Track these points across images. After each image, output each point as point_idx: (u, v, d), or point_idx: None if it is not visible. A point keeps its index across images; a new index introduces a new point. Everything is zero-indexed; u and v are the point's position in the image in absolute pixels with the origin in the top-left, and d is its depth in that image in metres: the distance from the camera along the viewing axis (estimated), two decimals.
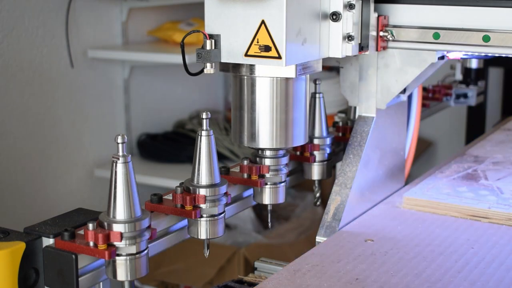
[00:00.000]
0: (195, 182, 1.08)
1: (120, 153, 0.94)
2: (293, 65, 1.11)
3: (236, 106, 1.18)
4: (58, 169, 2.69)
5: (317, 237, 1.25)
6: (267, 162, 1.21)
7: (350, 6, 1.18)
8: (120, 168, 0.94)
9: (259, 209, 2.86)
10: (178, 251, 2.67)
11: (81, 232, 0.95)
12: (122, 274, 0.95)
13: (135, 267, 0.95)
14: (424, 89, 2.02)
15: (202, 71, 1.14)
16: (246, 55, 1.10)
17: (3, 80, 2.42)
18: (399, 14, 1.29)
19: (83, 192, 2.82)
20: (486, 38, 1.22)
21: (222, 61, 1.13)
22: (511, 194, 1.39)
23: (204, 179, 1.07)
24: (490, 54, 1.27)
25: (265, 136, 1.15)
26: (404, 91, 1.40)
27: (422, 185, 1.44)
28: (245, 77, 1.15)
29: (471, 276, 1.08)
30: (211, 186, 1.07)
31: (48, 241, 0.95)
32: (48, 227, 0.97)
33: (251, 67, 1.13)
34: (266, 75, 1.13)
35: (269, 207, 1.26)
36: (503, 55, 1.25)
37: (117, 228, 0.93)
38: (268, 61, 1.09)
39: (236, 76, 1.16)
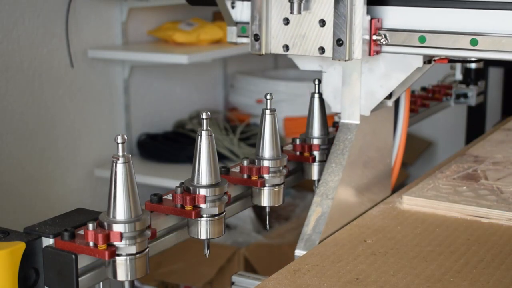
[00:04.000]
0: (195, 182, 1.08)
1: (120, 153, 0.94)
2: None
3: None
4: (58, 169, 2.69)
5: (296, 251, 1.20)
6: (266, 163, 1.21)
7: None
8: (120, 168, 0.94)
9: (259, 209, 2.86)
10: (178, 251, 2.67)
11: (81, 232, 0.95)
12: (122, 274, 0.95)
13: (135, 267, 0.95)
14: (424, 89, 2.02)
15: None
16: None
17: (3, 80, 2.42)
18: (383, 16, 1.24)
19: (83, 192, 2.82)
20: (473, 42, 1.17)
21: None
22: (511, 194, 1.39)
23: (204, 179, 1.07)
24: (478, 58, 1.23)
25: None
26: (390, 96, 1.34)
27: (422, 185, 1.44)
28: None
29: (471, 276, 1.09)
30: (211, 186, 1.07)
31: (48, 241, 0.95)
32: (48, 227, 0.97)
33: None
34: None
35: (267, 209, 1.26)
36: (492, 59, 1.20)
37: (117, 228, 0.93)
38: None
39: None
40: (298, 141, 1.35)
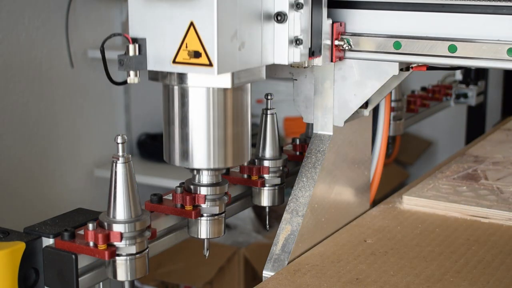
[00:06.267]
0: (196, 182, 1.08)
1: (120, 153, 0.94)
2: (228, 74, 0.96)
3: (166, 120, 1.04)
4: (58, 169, 2.69)
5: (264, 272, 1.12)
6: (266, 163, 1.21)
7: (298, 6, 1.03)
8: (120, 168, 0.94)
9: (259, 209, 2.86)
10: (178, 251, 2.67)
11: (81, 232, 0.96)
12: (122, 274, 0.95)
13: (135, 267, 0.95)
14: (424, 89, 2.02)
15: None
16: (174, 62, 0.96)
17: (3, 80, 2.42)
18: (356, 20, 1.15)
19: (83, 192, 2.82)
20: (452, 48, 1.08)
21: (148, 68, 0.99)
22: (511, 194, 1.39)
23: (204, 178, 1.07)
24: (456, 66, 1.13)
25: (200, 154, 1.01)
26: (366, 105, 1.25)
27: (422, 185, 1.44)
28: (175, 87, 1.00)
29: (471, 276, 1.09)
30: (212, 185, 1.07)
31: (48, 241, 0.95)
32: (48, 227, 0.97)
33: (182, 76, 0.98)
34: (198, 85, 0.98)
35: (267, 209, 1.26)
36: (472, 67, 1.13)
37: (117, 228, 0.93)
38: (198, 69, 0.94)
39: (166, 85, 1.02)
40: (298, 141, 1.35)
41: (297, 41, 1.04)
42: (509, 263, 1.13)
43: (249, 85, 1.04)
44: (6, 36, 2.41)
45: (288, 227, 1.15)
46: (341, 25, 1.15)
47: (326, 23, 1.12)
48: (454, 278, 1.08)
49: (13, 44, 2.44)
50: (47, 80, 2.59)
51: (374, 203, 1.40)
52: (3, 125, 2.44)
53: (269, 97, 1.22)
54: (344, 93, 1.19)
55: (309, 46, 1.07)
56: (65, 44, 2.58)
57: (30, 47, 2.51)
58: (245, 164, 1.15)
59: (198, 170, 1.05)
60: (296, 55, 1.04)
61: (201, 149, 1.01)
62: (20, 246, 0.92)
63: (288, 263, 1.13)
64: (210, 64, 0.93)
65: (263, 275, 1.12)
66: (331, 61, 1.15)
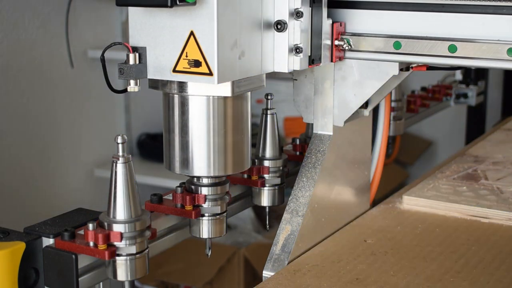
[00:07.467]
0: (196, 182, 1.08)
1: (120, 153, 0.94)
2: (229, 82, 0.98)
3: (166, 128, 1.06)
4: (58, 169, 2.69)
5: (264, 272, 1.12)
6: (266, 163, 1.21)
7: (298, 14, 1.03)
8: (120, 168, 0.94)
9: (259, 209, 2.86)
10: (178, 251, 2.67)
11: (81, 232, 0.96)
12: (122, 274, 0.95)
13: (135, 267, 0.95)
14: (424, 89, 2.02)
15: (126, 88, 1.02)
16: (174, 70, 0.97)
17: (3, 80, 2.42)
18: (356, 21, 1.15)
19: (83, 192, 2.82)
20: (452, 48, 1.08)
21: (148, 77, 1.02)
22: (511, 194, 1.39)
23: (205, 178, 1.07)
24: (456, 66, 1.13)
25: (200, 162, 1.04)
26: (366, 105, 1.26)
27: (422, 185, 1.44)
28: (175, 95, 1.02)
29: (471, 276, 1.09)
30: (213, 185, 1.07)
31: (48, 241, 0.95)
32: (48, 227, 0.97)
33: (182, 85, 1.00)
34: (198, 94, 1.00)
35: (267, 209, 1.26)
36: (472, 67, 1.13)
37: (117, 228, 0.93)
38: (198, 78, 0.95)
39: (166, 94, 1.04)
40: (298, 141, 1.35)
41: (297, 50, 1.05)
42: (509, 263, 1.13)
43: (249, 93, 1.05)
44: (6, 36, 2.41)
45: (288, 227, 1.15)
46: (341, 25, 1.15)
47: (326, 23, 1.12)
48: (454, 278, 1.08)
49: (13, 44, 2.44)
50: (47, 80, 2.59)
51: (374, 203, 1.40)
52: (3, 125, 2.43)
53: (269, 97, 1.22)
54: (344, 93, 1.19)
55: (309, 54, 1.08)
56: (65, 44, 2.58)
57: (30, 47, 2.51)
58: None
59: (198, 178, 1.07)
60: (296, 63, 1.05)
61: (201, 157, 1.03)
62: (20, 246, 0.92)
63: (288, 263, 1.13)
64: (210, 73, 0.94)
65: (263, 275, 1.12)
66: (331, 61, 1.15)
